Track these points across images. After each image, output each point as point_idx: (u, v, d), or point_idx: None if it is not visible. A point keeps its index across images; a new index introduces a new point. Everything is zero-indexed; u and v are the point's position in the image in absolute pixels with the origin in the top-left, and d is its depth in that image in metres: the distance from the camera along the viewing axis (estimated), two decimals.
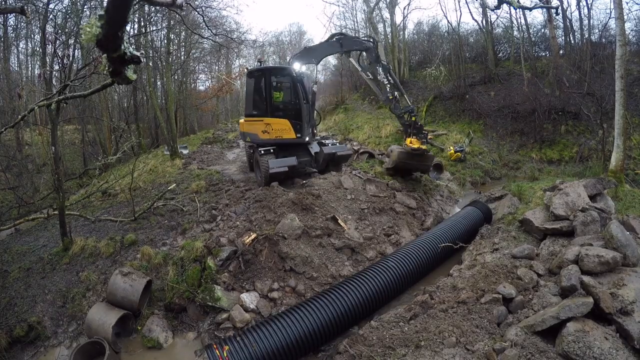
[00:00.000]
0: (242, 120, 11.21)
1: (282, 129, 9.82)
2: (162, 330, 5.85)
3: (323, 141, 10.65)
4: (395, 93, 9.48)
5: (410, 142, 9.47)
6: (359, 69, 10.31)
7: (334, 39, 9.74)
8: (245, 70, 11.92)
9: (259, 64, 11.01)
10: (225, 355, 4.36)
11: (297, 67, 9.57)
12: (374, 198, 9.01)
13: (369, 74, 9.78)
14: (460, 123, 18.45)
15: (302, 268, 6.53)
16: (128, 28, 8.84)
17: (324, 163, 10.20)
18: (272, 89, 10.06)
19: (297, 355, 4.74)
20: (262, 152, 9.51)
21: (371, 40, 9.83)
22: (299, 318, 4.90)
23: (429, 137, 9.81)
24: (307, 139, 9.94)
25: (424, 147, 9.46)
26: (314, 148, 10.43)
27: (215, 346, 4.46)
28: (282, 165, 9.05)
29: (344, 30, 31.12)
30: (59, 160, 7.52)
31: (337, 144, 10.59)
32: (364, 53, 9.76)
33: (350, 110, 22.97)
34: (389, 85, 9.41)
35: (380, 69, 9.37)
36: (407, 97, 9.65)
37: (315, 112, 10.73)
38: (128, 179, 9.32)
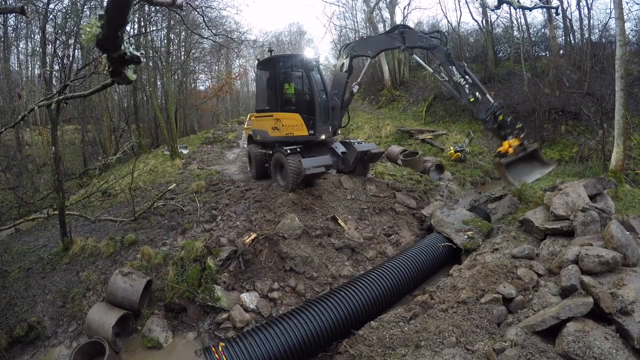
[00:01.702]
0: (253, 117, 10.56)
1: (293, 124, 8.82)
2: (162, 330, 5.85)
3: (347, 140, 9.95)
4: (477, 94, 7.81)
5: (509, 146, 7.77)
6: (430, 70, 8.71)
7: (396, 32, 8.47)
8: (257, 60, 10.75)
9: (269, 53, 9.70)
10: (220, 350, 4.38)
11: (311, 55, 8.90)
12: (374, 198, 9.01)
13: (443, 76, 8.18)
14: (460, 123, 18.46)
15: (302, 268, 6.54)
16: (128, 28, 8.83)
17: (355, 162, 9.44)
18: (282, 80, 9.09)
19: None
20: (289, 151, 8.43)
21: (439, 36, 8.29)
22: (293, 324, 4.88)
23: (516, 136, 7.80)
24: (322, 137, 8.95)
25: (533, 145, 7.77)
26: (339, 148, 9.64)
27: (213, 348, 4.48)
28: (319, 165, 7.98)
29: (344, 31, 31.10)
30: (59, 160, 7.52)
31: (363, 142, 9.80)
32: (432, 52, 8.17)
33: (350, 110, 22.94)
34: (467, 86, 7.84)
35: (455, 68, 7.88)
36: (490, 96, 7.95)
37: (346, 112, 9.98)
38: (128, 179, 9.32)
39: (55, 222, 8.24)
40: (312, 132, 8.77)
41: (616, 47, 10.01)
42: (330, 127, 9.28)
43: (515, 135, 7.77)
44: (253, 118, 10.62)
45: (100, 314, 5.68)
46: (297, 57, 9.30)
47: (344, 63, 9.25)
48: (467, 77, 7.90)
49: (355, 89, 9.62)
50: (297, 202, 7.89)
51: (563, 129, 15.22)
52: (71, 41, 13.99)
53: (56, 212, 7.56)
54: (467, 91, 7.86)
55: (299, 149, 8.57)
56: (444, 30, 26.45)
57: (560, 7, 18.94)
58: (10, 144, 17.56)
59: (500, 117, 7.65)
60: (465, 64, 8.10)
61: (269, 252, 6.75)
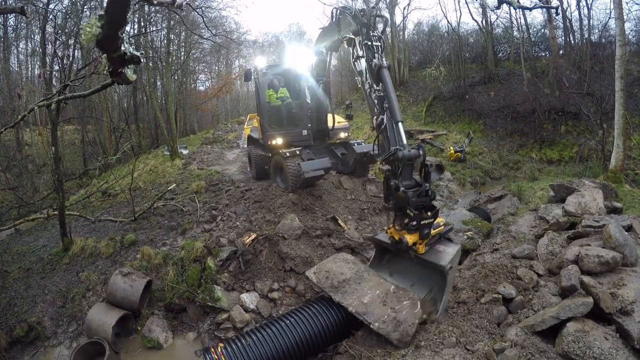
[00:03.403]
0: (254, 118, 10.74)
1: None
2: (162, 330, 5.85)
3: (347, 141, 9.94)
4: (382, 117, 5.22)
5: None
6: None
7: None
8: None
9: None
10: (219, 350, 4.38)
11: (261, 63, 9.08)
12: (374, 198, 9.00)
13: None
14: (460, 123, 18.46)
15: (302, 268, 6.53)
16: (128, 28, 8.81)
17: (355, 164, 9.43)
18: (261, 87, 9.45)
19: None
20: (288, 154, 8.34)
21: (362, 12, 5.62)
22: (292, 325, 4.88)
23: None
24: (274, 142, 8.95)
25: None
26: (338, 149, 9.70)
27: (212, 349, 4.48)
28: (318, 168, 8.00)
29: None
30: (59, 160, 7.52)
31: (363, 143, 9.75)
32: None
33: (350, 110, 22.97)
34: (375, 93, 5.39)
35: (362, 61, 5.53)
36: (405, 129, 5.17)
37: (326, 115, 9.81)
38: (128, 179, 9.32)
39: (55, 222, 8.24)
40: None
41: (616, 47, 10.03)
42: (308, 131, 9.38)
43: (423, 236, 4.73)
44: (255, 119, 10.69)
45: (100, 314, 5.68)
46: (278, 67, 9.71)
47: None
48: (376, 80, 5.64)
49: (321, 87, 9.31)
50: (297, 202, 7.89)
51: (563, 129, 15.23)
52: (71, 41, 13.98)
53: (56, 212, 7.56)
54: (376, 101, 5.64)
55: (298, 152, 8.57)
56: (443, 32, 26.50)
57: (560, 7, 18.97)
58: (10, 144, 17.56)
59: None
60: (389, 64, 5.60)
61: (269, 253, 6.75)
